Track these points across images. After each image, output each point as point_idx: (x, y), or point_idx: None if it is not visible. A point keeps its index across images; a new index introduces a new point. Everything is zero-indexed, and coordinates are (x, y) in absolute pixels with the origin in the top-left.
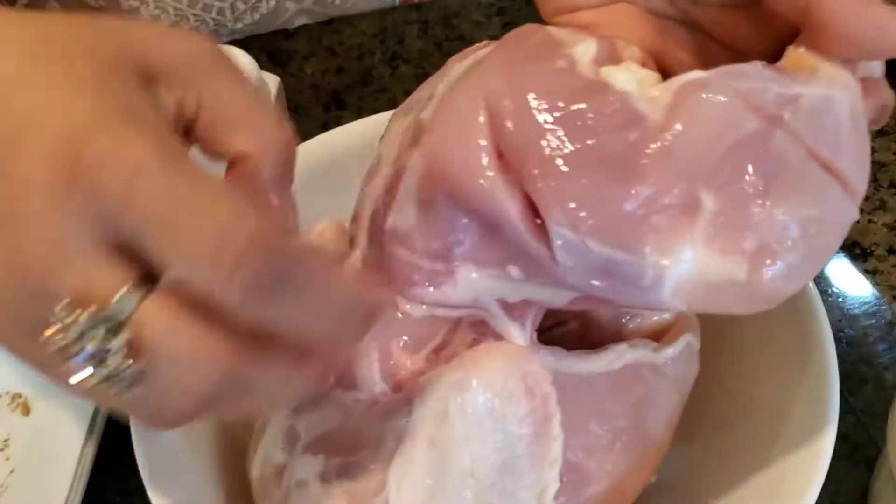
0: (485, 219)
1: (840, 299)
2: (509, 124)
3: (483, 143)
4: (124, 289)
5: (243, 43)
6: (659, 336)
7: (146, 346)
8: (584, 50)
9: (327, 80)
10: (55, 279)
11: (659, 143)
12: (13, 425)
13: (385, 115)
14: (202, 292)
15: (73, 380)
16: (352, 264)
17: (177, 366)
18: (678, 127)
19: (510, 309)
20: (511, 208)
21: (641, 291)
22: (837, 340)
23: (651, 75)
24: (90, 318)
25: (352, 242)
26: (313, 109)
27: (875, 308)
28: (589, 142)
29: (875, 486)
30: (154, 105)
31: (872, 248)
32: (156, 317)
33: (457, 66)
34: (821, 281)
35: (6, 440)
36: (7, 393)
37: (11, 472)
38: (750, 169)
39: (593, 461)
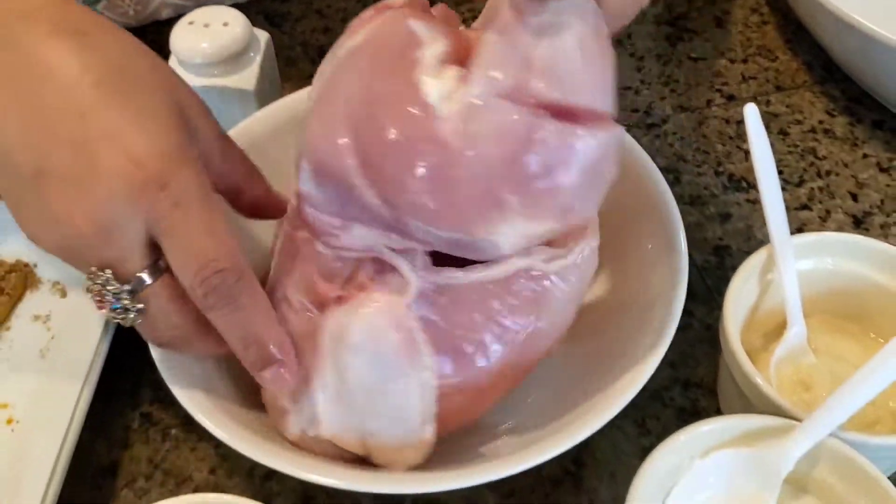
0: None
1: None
2: (364, 136)
3: (346, 142)
4: (143, 272)
5: (244, 7)
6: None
7: (148, 303)
8: (433, 52)
9: (315, 38)
10: (103, 250)
11: (462, 167)
12: (53, 305)
13: None
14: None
15: (99, 309)
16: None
17: (159, 316)
18: (470, 153)
19: (398, 251)
20: (372, 200)
21: (485, 253)
22: (720, 251)
23: (453, 82)
24: (117, 286)
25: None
26: (301, 62)
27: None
28: (418, 168)
29: (721, 370)
30: (192, 141)
31: None
32: (157, 292)
33: (348, 41)
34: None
35: (48, 315)
36: (49, 280)
37: (52, 338)
38: (533, 164)
39: (478, 348)
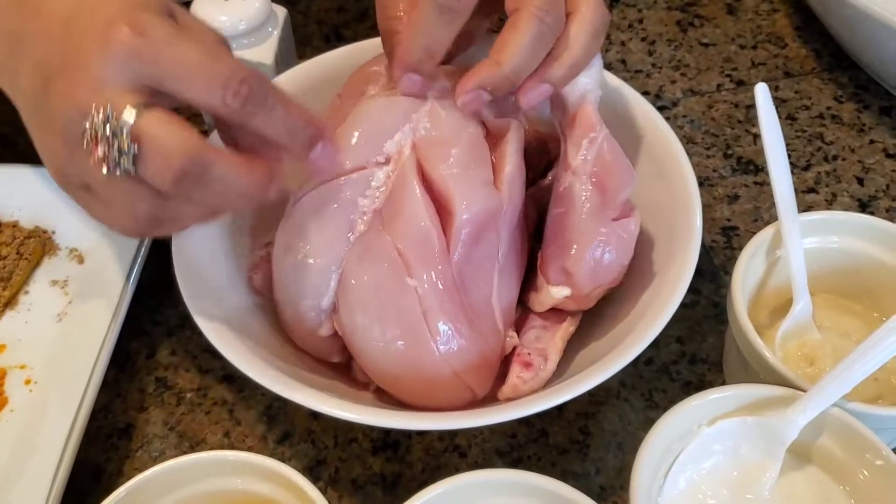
0: None
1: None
2: None
3: None
4: (136, 107)
5: None
6: None
7: (144, 135)
8: None
9: (330, 16)
10: (98, 101)
11: None
12: (71, 270)
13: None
14: (206, 109)
15: (98, 158)
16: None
17: (165, 139)
18: None
19: None
20: None
21: None
22: (730, 228)
23: None
24: (112, 124)
25: None
26: (316, 40)
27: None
28: None
29: (727, 345)
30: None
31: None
32: (151, 120)
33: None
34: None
35: (66, 280)
36: (66, 247)
37: (70, 302)
38: None
39: None
